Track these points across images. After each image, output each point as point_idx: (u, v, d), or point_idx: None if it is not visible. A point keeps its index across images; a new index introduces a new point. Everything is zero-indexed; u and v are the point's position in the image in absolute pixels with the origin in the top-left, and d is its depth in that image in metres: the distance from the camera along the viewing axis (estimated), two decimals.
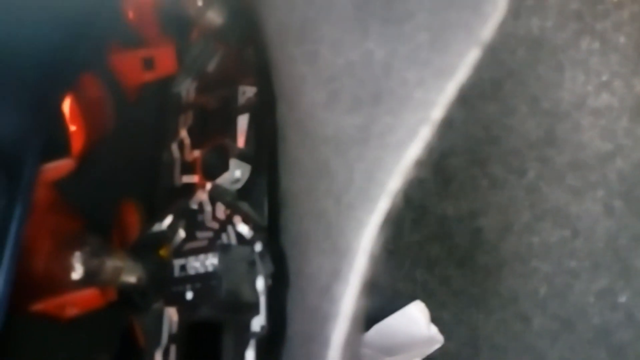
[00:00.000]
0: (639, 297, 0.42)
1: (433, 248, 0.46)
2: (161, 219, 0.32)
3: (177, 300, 0.28)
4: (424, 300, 0.48)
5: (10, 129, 0.23)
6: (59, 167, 0.25)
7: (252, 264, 0.27)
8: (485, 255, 0.42)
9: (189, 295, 0.28)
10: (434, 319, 0.47)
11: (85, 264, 0.28)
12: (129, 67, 0.33)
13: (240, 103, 0.31)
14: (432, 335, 0.48)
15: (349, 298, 0.18)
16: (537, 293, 0.42)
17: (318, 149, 0.21)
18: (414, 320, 0.51)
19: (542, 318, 0.42)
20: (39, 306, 0.26)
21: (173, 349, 0.29)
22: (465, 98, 0.42)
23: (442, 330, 0.47)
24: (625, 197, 0.39)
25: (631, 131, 0.37)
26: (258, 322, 0.27)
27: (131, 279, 0.30)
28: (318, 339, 0.21)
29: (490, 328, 0.44)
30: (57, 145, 0.27)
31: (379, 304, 0.52)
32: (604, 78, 0.37)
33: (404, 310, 0.51)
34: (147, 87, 0.35)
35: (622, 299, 0.42)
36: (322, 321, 0.21)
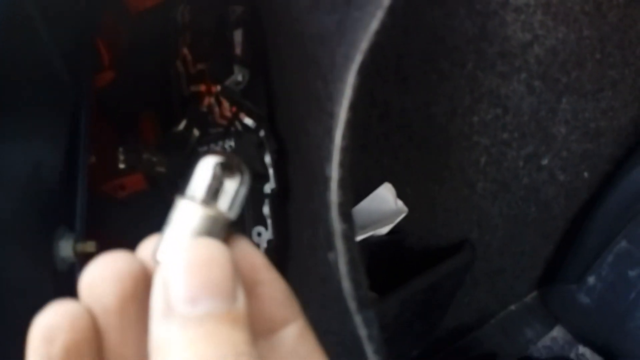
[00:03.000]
0: (558, 159, 0.52)
1: (396, 137, 0.54)
2: (177, 123, 0.40)
3: None
4: (390, 181, 0.57)
5: (67, 57, 0.30)
6: (103, 77, 0.32)
7: (259, 145, 0.36)
8: (437, 137, 0.50)
9: None
10: (400, 195, 0.57)
11: (127, 156, 0.36)
12: None
13: (233, 20, 0.38)
14: (399, 208, 0.58)
15: (337, 143, 0.26)
16: (479, 162, 0.51)
17: (306, 44, 0.29)
18: (384, 198, 0.61)
19: (483, 182, 0.52)
20: (102, 187, 0.34)
21: None
22: (415, 5, 0.49)
23: (406, 202, 0.56)
24: (542, 77, 0.47)
25: (544, 23, 0.46)
26: (269, 187, 0.36)
27: (161, 169, 0.38)
28: (316, 198, 0.30)
29: (444, 196, 0.53)
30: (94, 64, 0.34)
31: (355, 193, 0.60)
32: None
33: (375, 192, 0.60)
34: (148, 12, 0.41)
35: (545, 161, 0.52)
36: (319, 177, 0.30)
